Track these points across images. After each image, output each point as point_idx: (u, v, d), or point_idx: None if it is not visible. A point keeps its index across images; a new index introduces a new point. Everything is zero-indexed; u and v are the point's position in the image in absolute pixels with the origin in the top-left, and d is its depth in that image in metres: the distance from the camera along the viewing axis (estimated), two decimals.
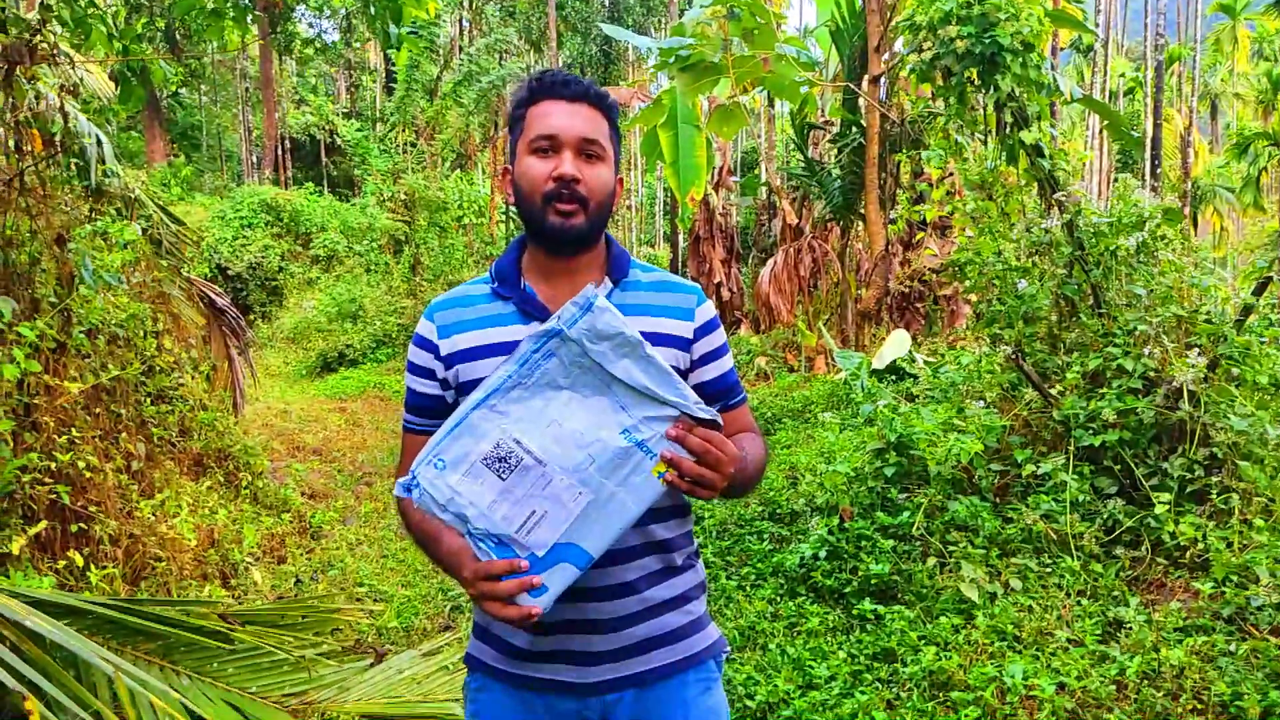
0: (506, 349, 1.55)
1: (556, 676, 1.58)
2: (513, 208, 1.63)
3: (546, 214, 1.55)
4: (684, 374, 1.62)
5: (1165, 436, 4.50)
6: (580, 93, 1.57)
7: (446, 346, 1.61)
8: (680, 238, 18.77)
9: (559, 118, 1.55)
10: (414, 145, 19.24)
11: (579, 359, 1.40)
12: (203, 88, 34.02)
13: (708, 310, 1.67)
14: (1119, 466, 4.48)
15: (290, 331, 16.79)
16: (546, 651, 1.59)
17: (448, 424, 1.42)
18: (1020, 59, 5.21)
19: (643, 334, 1.58)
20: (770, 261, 13.18)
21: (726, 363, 1.69)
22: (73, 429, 4.08)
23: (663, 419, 1.39)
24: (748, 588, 4.57)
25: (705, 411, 1.40)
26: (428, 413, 1.64)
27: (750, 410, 1.76)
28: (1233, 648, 3.30)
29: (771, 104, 20.41)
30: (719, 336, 1.68)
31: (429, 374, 1.63)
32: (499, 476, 1.39)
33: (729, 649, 1.77)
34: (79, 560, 3.84)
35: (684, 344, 1.63)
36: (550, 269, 1.62)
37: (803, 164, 13.70)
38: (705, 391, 1.64)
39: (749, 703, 3.43)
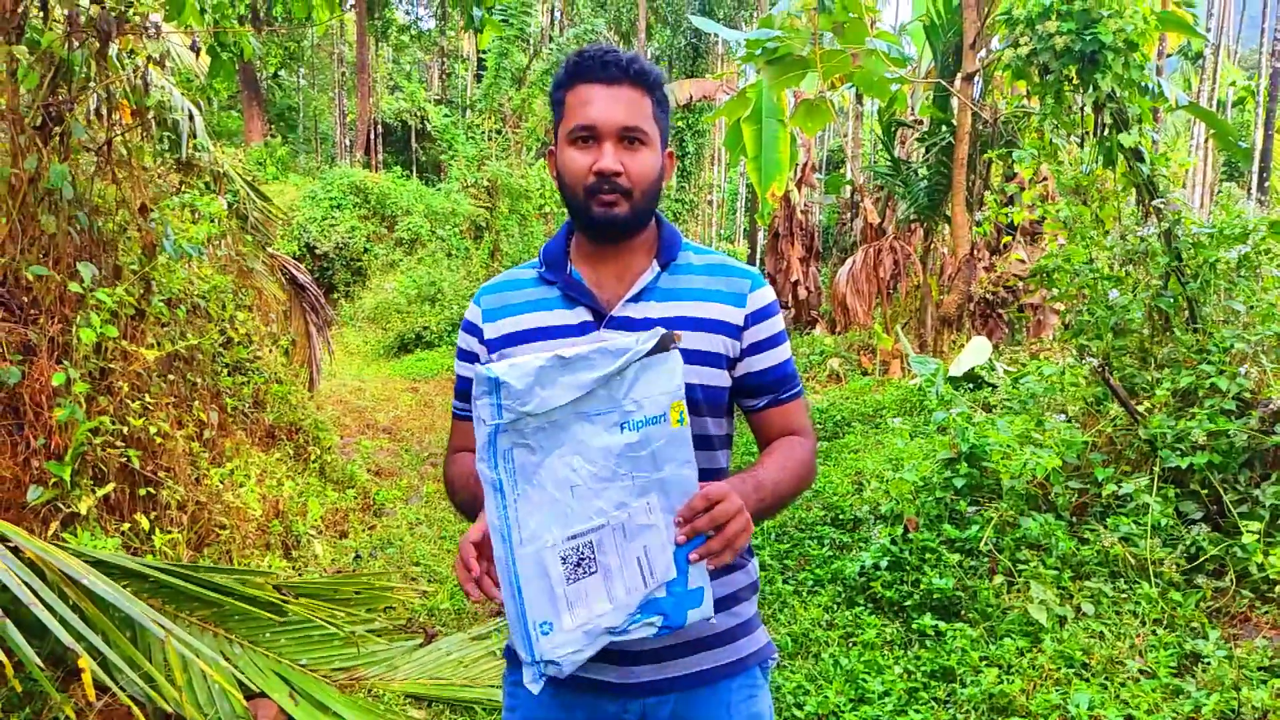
0: (548, 334, 1.52)
1: (597, 676, 1.52)
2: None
3: (590, 206, 1.48)
4: (732, 363, 1.55)
5: (1258, 462, 4.24)
6: (620, 74, 1.47)
7: (491, 330, 1.57)
8: (760, 234, 18.58)
9: (598, 106, 1.46)
10: (499, 133, 19.37)
11: (539, 427, 1.27)
12: (301, 70, 34.90)
13: (763, 296, 1.57)
14: (1206, 491, 4.23)
15: (371, 311, 17.11)
16: None
17: (506, 594, 1.28)
18: (1123, 58, 4.96)
19: (689, 319, 1.51)
20: (849, 261, 12.91)
21: (782, 353, 1.59)
22: (146, 395, 4.17)
23: (628, 379, 1.30)
24: (804, 593, 4.45)
25: (649, 339, 1.30)
26: None
27: (806, 407, 1.66)
28: None
29: (860, 101, 20.03)
30: (774, 324, 1.58)
31: (475, 359, 1.60)
32: (590, 573, 1.29)
33: (777, 655, 1.68)
34: (145, 524, 3.93)
35: (734, 331, 1.54)
36: (597, 254, 1.56)
37: (888, 163, 13.39)
38: (755, 383, 1.56)
39: (797, 713, 3.33)
